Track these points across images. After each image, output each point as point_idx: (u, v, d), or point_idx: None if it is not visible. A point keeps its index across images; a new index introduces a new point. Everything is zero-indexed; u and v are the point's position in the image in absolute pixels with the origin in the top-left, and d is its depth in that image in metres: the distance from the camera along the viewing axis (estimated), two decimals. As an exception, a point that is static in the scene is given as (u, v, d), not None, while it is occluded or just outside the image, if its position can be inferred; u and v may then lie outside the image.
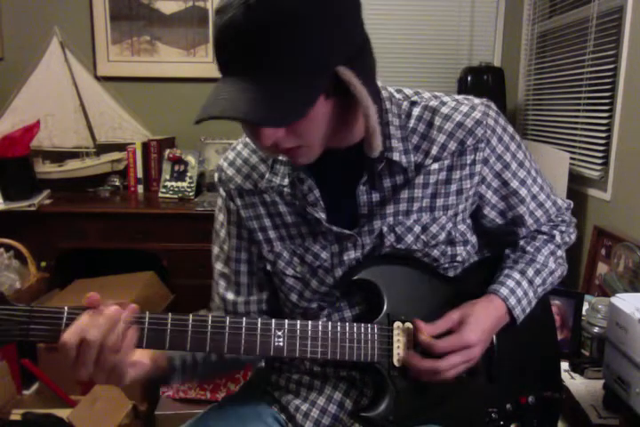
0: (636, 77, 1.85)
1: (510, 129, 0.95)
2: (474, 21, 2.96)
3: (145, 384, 0.94)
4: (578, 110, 2.28)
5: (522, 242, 1.02)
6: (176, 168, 2.82)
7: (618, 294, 1.18)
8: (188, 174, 2.79)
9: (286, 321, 0.84)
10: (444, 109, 0.90)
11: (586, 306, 1.52)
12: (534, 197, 0.99)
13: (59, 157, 2.88)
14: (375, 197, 0.90)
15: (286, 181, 0.91)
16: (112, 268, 2.53)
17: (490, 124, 0.91)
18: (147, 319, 0.78)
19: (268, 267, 0.97)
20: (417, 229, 0.91)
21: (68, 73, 2.81)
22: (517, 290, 0.95)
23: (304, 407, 0.97)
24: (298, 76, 0.71)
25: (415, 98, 0.92)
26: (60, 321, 0.76)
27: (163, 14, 2.90)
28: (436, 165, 0.90)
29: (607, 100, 2.03)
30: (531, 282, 0.97)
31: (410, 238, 0.91)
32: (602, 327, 1.42)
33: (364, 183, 0.89)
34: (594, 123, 2.13)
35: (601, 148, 2.06)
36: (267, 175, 0.93)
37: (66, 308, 0.76)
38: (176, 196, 2.75)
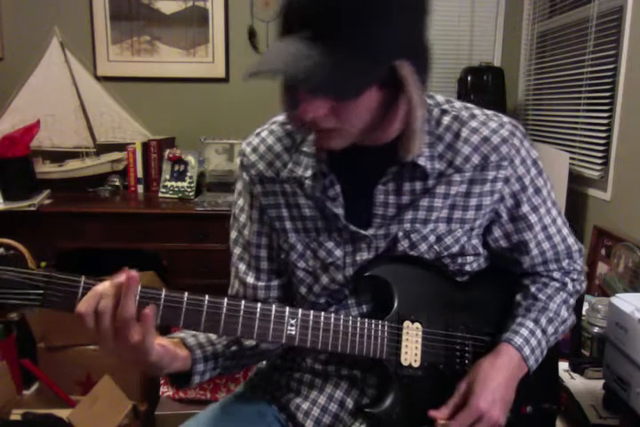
0: (636, 77, 1.85)
1: (534, 154, 0.95)
2: (474, 21, 2.96)
3: (168, 379, 0.92)
4: (578, 110, 2.28)
5: (533, 289, 0.99)
6: (176, 168, 2.81)
7: (618, 294, 1.18)
8: (188, 174, 2.79)
9: (300, 310, 0.84)
10: (473, 123, 0.91)
11: (586, 306, 1.52)
12: (544, 228, 0.97)
13: (59, 157, 2.87)
14: (392, 198, 0.90)
15: (309, 173, 0.90)
16: (112, 268, 2.53)
17: (515, 144, 0.91)
18: (162, 296, 0.77)
19: (282, 256, 0.96)
20: (432, 238, 0.91)
21: (68, 73, 2.81)
22: (531, 339, 0.93)
23: (305, 406, 0.97)
24: (365, 55, 0.71)
25: (446, 106, 0.92)
26: (77, 290, 0.75)
27: (163, 14, 2.90)
28: (457, 177, 0.90)
29: (607, 100, 2.03)
30: (544, 331, 0.95)
31: (423, 247, 0.91)
32: (602, 327, 1.42)
33: (384, 183, 0.89)
34: (594, 123, 2.13)
35: (601, 148, 2.06)
36: (289, 165, 0.93)
37: (83, 277, 0.75)
38: (176, 196, 2.75)
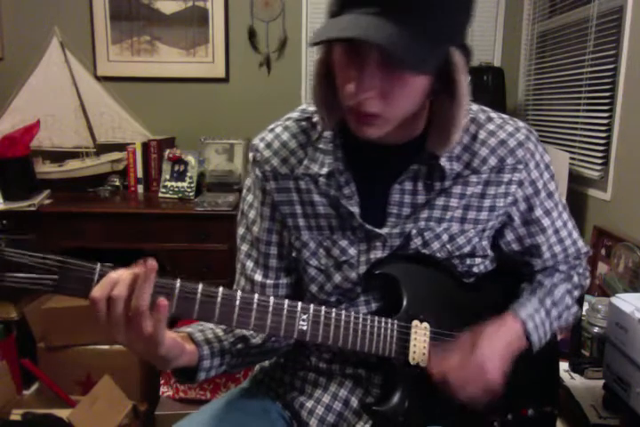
0: (636, 77, 1.85)
1: (547, 159, 0.97)
2: (474, 21, 2.95)
3: (173, 374, 0.90)
4: (578, 110, 2.28)
5: (539, 276, 1.01)
6: (176, 168, 2.81)
7: (618, 294, 1.18)
8: (188, 174, 2.79)
9: (312, 306, 0.84)
10: (490, 126, 0.92)
11: (586, 306, 1.52)
12: (556, 232, 0.99)
13: (59, 157, 2.87)
14: (407, 198, 0.91)
15: (325, 171, 0.90)
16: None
17: (530, 149, 0.93)
18: (177, 287, 0.76)
19: (294, 254, 0.96)
20: (445, 237, 0.92)
21: (68, 73, 2.81)
22: (535, 317, 0.94)
23: (309, 404, 0.97)
24: (432, 34, 0.72)
25: None
26: (92, 276, 0.73)
27: (163, 14, 2.90)
28: (474, 178, 0.91)
29: (607, 100, 2.03)
30: (547, 312, 0.96)
31: (436, 246, 0.92)
32: (602, 327, 1.41)
33: (401, 183, 0.90)
34: (594, 123, 2.12)
35: (601, 148, 2.06)
36: (305, 162, 0.92)
37: (98, 264, 0.74)
38: (176, 196, 2.75)
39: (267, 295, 0.83)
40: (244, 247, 1.00)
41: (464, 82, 0.79)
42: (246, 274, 0.99)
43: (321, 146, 0.91)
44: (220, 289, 0.78)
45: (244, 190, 1.01)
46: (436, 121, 0.86)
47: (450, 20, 0.74)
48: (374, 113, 0.77)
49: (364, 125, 0.80)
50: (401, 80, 0.75)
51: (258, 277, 0.98)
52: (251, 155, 0.98)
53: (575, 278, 1.03)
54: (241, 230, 1.01)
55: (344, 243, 0.92)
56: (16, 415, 1.86)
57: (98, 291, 0.72)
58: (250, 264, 0.99)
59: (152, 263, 0.73)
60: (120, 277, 0.72)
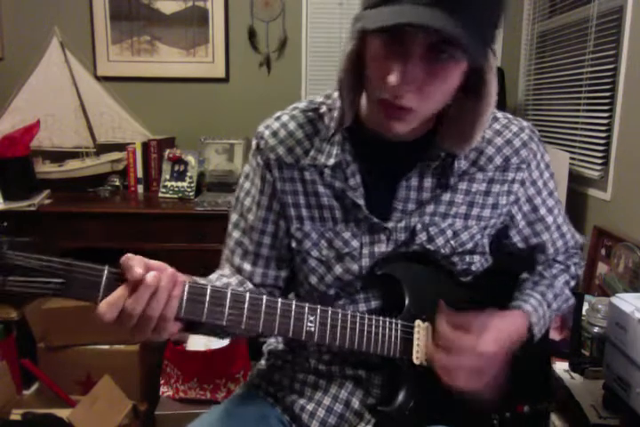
0: (636, 77, 1.85)
1: (547, 158, 0.98)
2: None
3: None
4: (578, 110, 2.28)
5: (540, 268, 1.04)
6: (176, 168, 2.81)
7: (618, 294, 1.18)
8: (188, 174, 2.79)
9: (319, 307, 0.83)
10: (496, 125, 0.94)
11: (586, 306, 1.52)
12: (558, 228, 1.02)
13: (59, 157, 2.87)
14: (413, 194, 0.91)
15: (331, 162, 0.90)
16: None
17: (533, 149, 0.95)
18: (186, 289, 0.75)
19: (294, 244, 0.95)
20: (449, 233, 0.92)
21: (68, 73, 2.81)
22: (539, 309, 0.96)
23: (310, 407, 0.97)
24: (480, 29, 0.72)
25: None
26: (100, 280, 0.70)
27: (163, 14, 2.90)
28: (480, 175, 0.92)
29: (607, 100, 2.03)
30: (549, 305, 0.98)
31: (440, 241, 0.92)
32: (602, 327, 1.42)
33: (407, 179, 0.90)
34: (594, 123, 2.12)
35: (601, 148, 2.06)
36: (311, 153, 0.92)
37: (106, 267, 0.72)
38: (176, 196, 2.75)
39: (274, 296, 0.82)
40: (236, 234, 0.99)
41: (495, 82, 0.79)
42: (235, 261, 0.99)
43: (329, 137, 0.91)
44: (229, 290, 0.78)
45: (242, 177, 1.00)
46: (453, 120, 0.86)
47: (491, 18, 0.74)
48: (410, 107, 0.76)
49: (392, 120, 0.79)
50: (443, 74, 0.75)
51: (247, 265, 0.97)
52: (254, 142, 0.97)
53: (572, 269, 1.06)
54: (234, 217, 1.00)
55: (347, 235, 0.92)
56: (16, 415, 1.86)
57: (108, 312, 0.68)
58: (240, 252, 0.98)
59: (177, 278, 0.72)
60: (132, 291, 0.70)
